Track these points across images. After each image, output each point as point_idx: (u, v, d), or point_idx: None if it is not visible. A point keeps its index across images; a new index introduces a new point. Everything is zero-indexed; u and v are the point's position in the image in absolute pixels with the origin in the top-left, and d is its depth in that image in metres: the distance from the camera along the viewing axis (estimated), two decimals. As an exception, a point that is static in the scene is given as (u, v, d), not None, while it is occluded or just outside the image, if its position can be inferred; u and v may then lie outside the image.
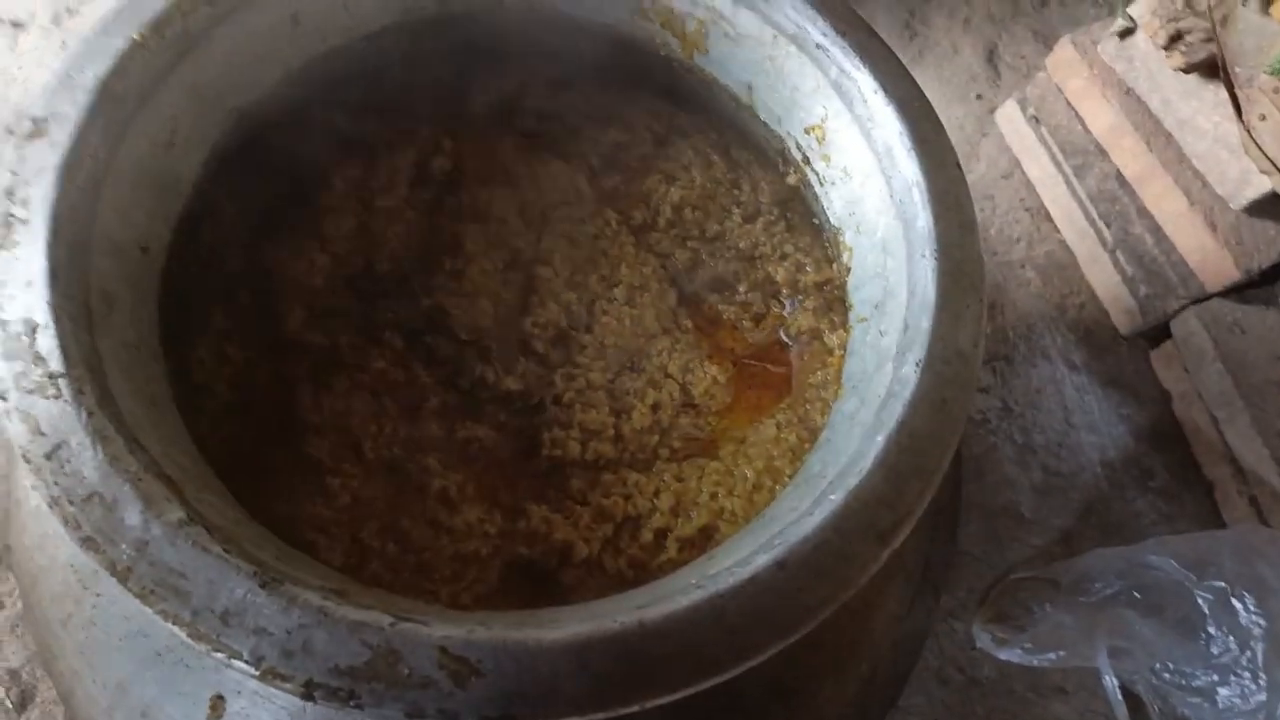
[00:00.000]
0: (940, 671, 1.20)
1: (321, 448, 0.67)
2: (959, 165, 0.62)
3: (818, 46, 0.65)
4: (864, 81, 0.63)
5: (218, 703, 0.61)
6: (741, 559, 0.50)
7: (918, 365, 0.54)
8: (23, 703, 1.08)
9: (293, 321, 0.70)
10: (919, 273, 0.58)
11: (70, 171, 0.53)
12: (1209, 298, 1.25)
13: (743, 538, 0.57)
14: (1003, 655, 1.13)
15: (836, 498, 0.51)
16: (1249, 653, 1.04)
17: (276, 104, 0.70)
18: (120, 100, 0.57)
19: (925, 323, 0.56)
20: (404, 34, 0.74)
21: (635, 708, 0.46)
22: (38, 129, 0.54)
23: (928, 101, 0.63)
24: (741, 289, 0.76)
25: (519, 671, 0.45)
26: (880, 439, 0.52)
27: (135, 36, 0.58)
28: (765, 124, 0.74)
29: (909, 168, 0.61)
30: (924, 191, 0.60)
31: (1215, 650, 1.05)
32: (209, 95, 0.64)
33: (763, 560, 0.49)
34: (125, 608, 0.63)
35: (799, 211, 0.77)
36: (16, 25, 1.47)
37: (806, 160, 0.72)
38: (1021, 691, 1.12)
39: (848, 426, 0.59)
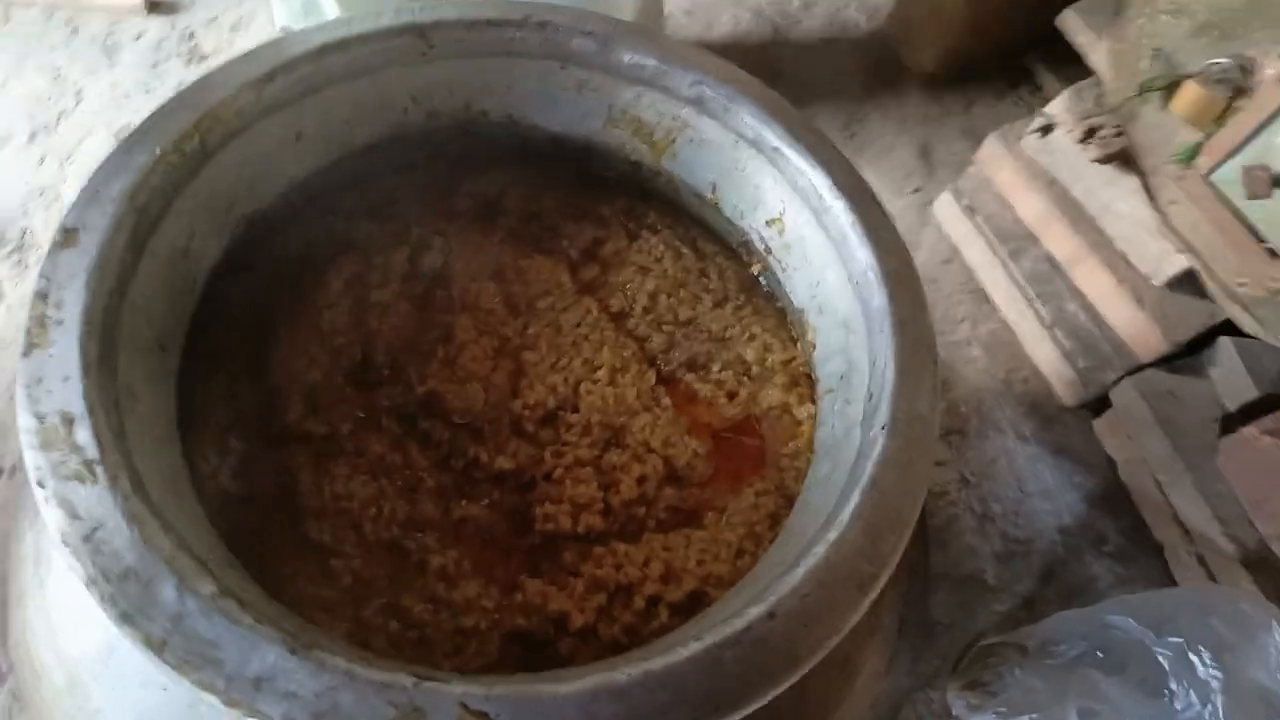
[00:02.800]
0: (919, 740, 1.22)
1: (323, 531, 0.70)
2: (906, 250, 0.69)
3: (774, 149, 0.73)
4: (817, 178, 0.71)
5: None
6: (735, 611, 0.54)
7: (883, 428, 0.60)
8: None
9: (293, 413, 0.74)
10: (879, 346, 0.65)
11: (100, 276, 0.57)
12: (1143, 368, 1.32)
13: (734, 596, 0.61)
14: (977, 720, 1.16)
15: (819, 550, 0.55)
16: (1210, 706, 1.07)
17: (280, 210, 0.75)
18: (143, 211, 0.62)
19: (887, 391, 0.62)
20: (396, 145, 0.80)
21: (643, 754, 0.49)
22: (69, 238, 0.58)
23: (874, 193, 0.71)
24: (715, 368, 0.82)
25: (535, 723, 0.48)
26: (855, 496, 0.57)
27: (157, 152, 0.63)
28: (729, 219, 0.81)
29: (863, 253, 0.68)
30: (878, 274, 0.66)
31: (1179, 706, 1.09)
32: (220, 204, 0.69)
33: (755, 612, 0.53)
34: (126, 697, 0.64)
35: (763, 296, 0.84)
36: (-4, 141, 1.51)
37: (769, 250, 0.79)
38: (998, 752, 1.14)
39: (823, 488, 0.64)
